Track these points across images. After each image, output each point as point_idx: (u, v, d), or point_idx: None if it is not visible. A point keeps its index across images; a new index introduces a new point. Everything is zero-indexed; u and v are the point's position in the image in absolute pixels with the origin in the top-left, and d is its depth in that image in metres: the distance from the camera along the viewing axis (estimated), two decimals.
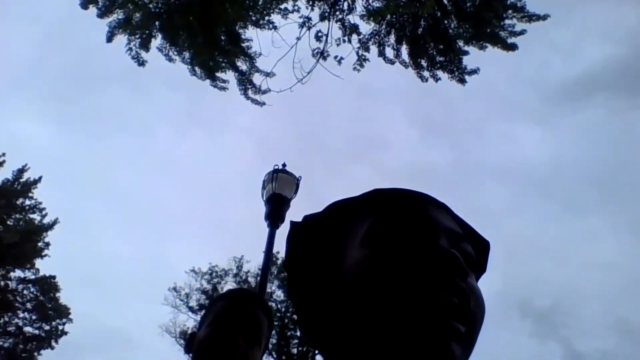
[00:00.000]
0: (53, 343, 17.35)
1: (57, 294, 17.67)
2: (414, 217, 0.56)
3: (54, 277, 17.64)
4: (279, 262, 15.26)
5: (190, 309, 15.75)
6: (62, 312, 17.73)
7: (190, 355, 1.19)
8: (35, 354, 17.31)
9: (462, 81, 6.11)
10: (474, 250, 0.58)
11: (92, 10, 5.39)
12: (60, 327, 17.70)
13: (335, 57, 5.83)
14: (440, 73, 6.15)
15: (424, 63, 6.12)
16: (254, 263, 16.76)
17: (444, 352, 0.46)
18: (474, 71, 6.08)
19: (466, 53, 5.95)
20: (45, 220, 17.79)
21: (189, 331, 15.31)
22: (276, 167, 6.18)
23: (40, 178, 17.99)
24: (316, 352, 15.03)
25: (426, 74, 6.17)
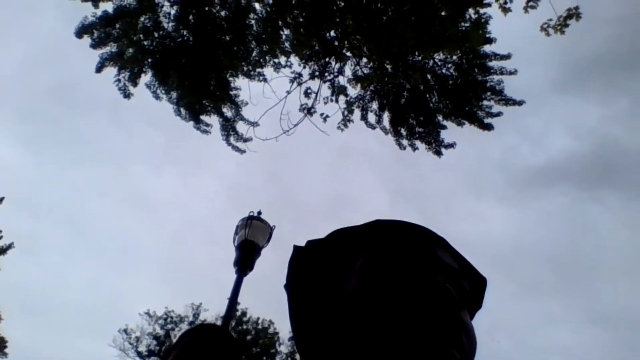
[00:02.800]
0: None
1: None
2: (411, 251, 0.56)
3: None
4: (239, 313, 14.79)
5: (139, 354, 14.93)
6: None
7: None
8: None
9: (439, 153, 6.32)
10: (470, 286, 0.60)
11: (85, 39, 5.46)
12: None
13: (322, 114, 5.99)
14: (418, 143, 6.36)
15: (403, 132, 6.33)
16: (211, 312, 16.20)
17: None
18: (451, 145, 6.31)
19: (444, 127, 6.20)
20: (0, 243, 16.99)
21: None
22: (251, 214, 6.14)
23: (2, 199, 17.35)
24: None
25: (405, 142, 6.37)
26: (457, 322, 0.50)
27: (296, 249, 0.66)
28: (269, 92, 5.73)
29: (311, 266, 0.63)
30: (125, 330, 15.02)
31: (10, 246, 17.05)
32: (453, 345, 0.48)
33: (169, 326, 15.29)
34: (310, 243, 0.65)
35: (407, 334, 0.48)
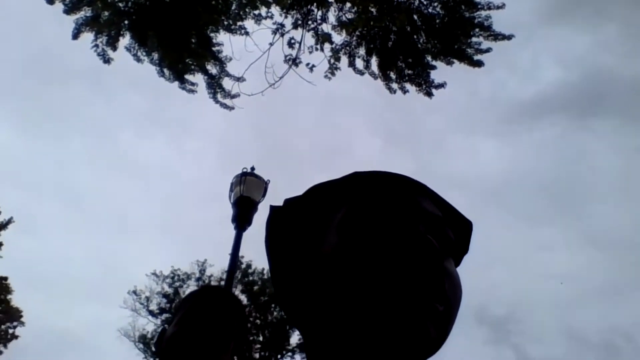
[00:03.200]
0: (1, 347, 16.64)
1: (9, 296, 16.97)
2: (391, 202, 0.55)
3: (5, 279, 16.93)
4: (244, 265, 15.14)
5: (151, 312, 15.39)
6: (14, 315, 17.03)
7: (159, 353, 1.18)
8: None
9: (429, 94, 6.25)
10: (455, 232, 0.59)
11: (57, 5, 5.25)
12: (11, 331, 17.01)
13: (307, 64, 5.87)
14: (408, 86, 6.27)
15: (392, 75, 6.23)
16: (217, 267, 16.56)
17: (420, 332, 0.46)
18: (441, 85, 6.23)
19: (434, 67, 6.09)
20: None
21: (149, 335, 14.96)
22: (245, 170, 6.16)
23: None
24: (279, 356, 14.95)
25: (395, 86, 6.29)
26: (440, 273, 0.50)
27: (273, 208, 0.64)
28: (251, 46, 5.59)
29: (289, 224, 0.61)
30: (134, 292, 15.43)
31: (10, 221, 17.17)
32: (435, 298, 0.48)
33: (177, 284, 15.67)
34: (287, 201, 0.63)
35: (387, 289, 0.47)
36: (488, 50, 5.79)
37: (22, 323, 17.18)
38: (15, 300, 17.07)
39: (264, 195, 6.18)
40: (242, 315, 1.29)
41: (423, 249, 0.50)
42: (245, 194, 5.98)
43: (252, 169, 6.29)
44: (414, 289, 0.47)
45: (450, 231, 0.57)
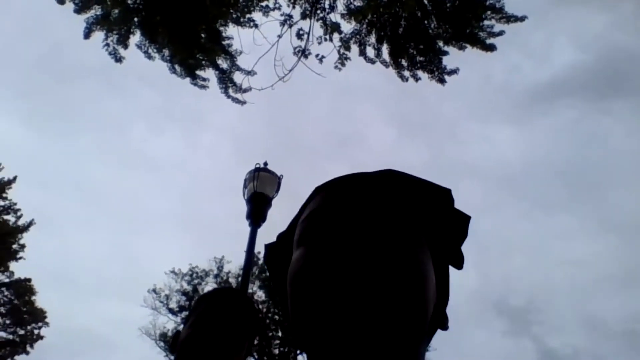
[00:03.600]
0: (28, 348, 16.97)
1: (33, 297, 17.29)
2: (342, 211, 0.52)
3: (29, 280, 17.26)
4: (260, 262, 15.18)
5: (171, 310, 15.56)
6: (38, 316, 17.35)
7: (174, 355, 1.18)
8: (10, 359, 16.88)
9: (442, 81, 6.17)
10: (432, 216, 0.56)
11: (68, 5, 5.29)
12: (36, 332, 17.34)
13: (317, 55, 5.83)
14: (420, 73, 6.19)
15: (404, 63, 6.16)
16: (234, 263, 16.66)
17: (379, 348, 0.44)
18: (454, 71, 6.14)
19: (446, 53, 6.01)
20: (20, 222, 17.38)
21: (169, 333, 15.12)
22: (257, 166, 6.15)
23: (15, 178, 17.59)
24: (298, 352, 15.02)
25: (406, 73, 6.21)
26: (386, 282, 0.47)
27: (267, 246, 0.65)
28: (260, 39, 5.57)
29: (282, 257, 0.61)
30: (154, 290, 15.60)
31: (31, 223, 17.48)
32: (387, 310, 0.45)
33: (195, 281, 15.80)
34: (279, 236, 0.64)
35: (339, 299, 0.45)
36: (500, 33, 5.69)
37: (47, 323, 17.51)
38: (39, 301, 17.42)
39: (277, 191, 6.17)
40: (255, 315, 1.28)
41: (370, 261, 0.47)
42: (259, 190, 5.97)
43: (265, 164, 6.28)
44: (366, 305, 0.45)
45: (413, 223, 0.53)
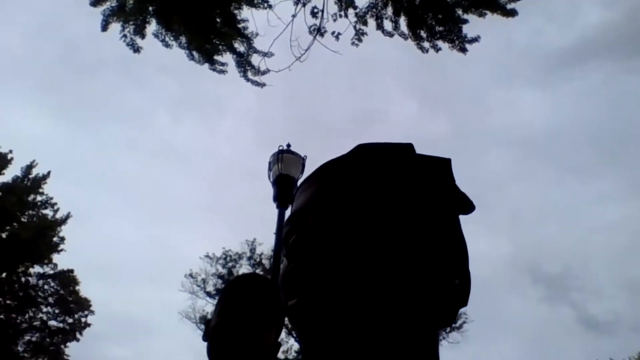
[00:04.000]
0: (78, 335, 17.73)
1: (77, 287, 18.00)
2: (318, 211, 0.52)
3: (72, 271, 17.94)
4: None
5: (208, 294, 15.97)
6: (83, 305, 18.06)
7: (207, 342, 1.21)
8: (62, 346, 17.70)
9: (463, 50, 5.99)
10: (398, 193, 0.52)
11: None
12: (83, 320, 18.06)
13: (333, 32, 5.75)
14: (440, 43, 6.03)
15: (423, 34, 6.00)
16: (266, 245, 16.90)
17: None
18: (475, 39, 5.95)
19: (466, 21, 5.83)
20: (58, 215, 18.03)
21: (208, 316, 15.56)
22: (281, 148, 6.16)
23: (49, 173, 18.18)
24: None
25: (426, 44, 6.06)
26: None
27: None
28: (274, 20, 5.52)
29: None
30: (190, 275, 16.02)
31: (68, 216, 18.11)
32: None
33: (230, 264, 16.13)
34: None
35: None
36: None
37: (92, 312, 18.22)
38: (83, 290, 18.13)
39: (302, 172, 6.18)
40: (278, 303, 1.29)
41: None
42: (284, 172, 6.00)
43: (288, 145, 6.28)
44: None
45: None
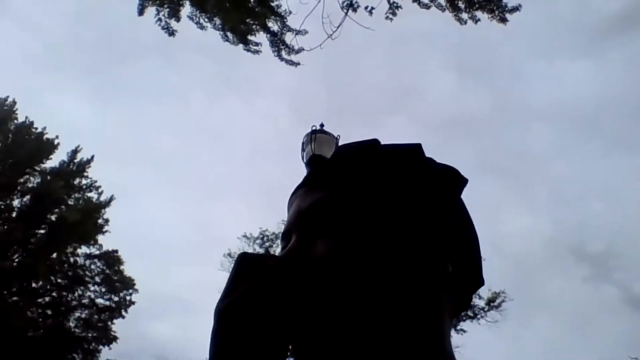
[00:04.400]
0: (123, 312, 18.52)
1: (122, 267, 18.73)
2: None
3: (116, 251, 18.65)
4: None
5: None
6: (128, 284, 18.79)
7: None
8: (109, 323, 18.54)
9: (503, 20, 5.77)
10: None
11: None
12: (128, 298, 18.82)
13: (366, 7, 5.63)
14: (479, 13, 5.83)
15: (461, 4, 5.81)
16: None
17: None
18: (516, 8, 5.72)
19: None
20: (102, 198, 18.71)
21: None
22: (314, 128, 6.13)
23: (92, 157, 18.81)
24: None
25: (464, 15, 5.87)
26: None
27: None
28: None
29: None
30: (229, 254, 16.34)
31: (112, 198, 18.77)
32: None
33: (267, 244, 16.36)
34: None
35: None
36: None
37: (136, 290, 18.95)
38: (127, 269, 18.84)
39: None
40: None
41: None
42: (317, 152, 5.97)
43: (322, 125, 6.23)
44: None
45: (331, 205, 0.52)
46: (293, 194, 0.58)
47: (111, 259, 18.57)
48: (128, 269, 18.84)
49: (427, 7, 5.88)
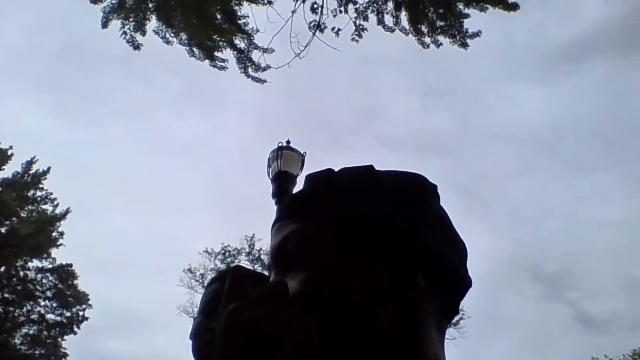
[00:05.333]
0: (75, 328, 17.80)
1: (75, 281, 18.04)
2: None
3: (70, 265, 17.97)
4: None
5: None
6: (81, 299, 18.11)
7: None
8: (59, 339, 17.76)
9: (465, 45, 5.99)
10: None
11: None
12: (81, 313, 18.13)
13: (333, 28, 5.73)
14: (441, 38, 6.03)
15: (424, 29, 6.00)
16: (266, 241, 16.94)
17: None
18: (476, 34, 5.95)
19: (467, 16, 5.83)
20: (57, 210, 18.04)
21: None
22: (280, 145, 6.15)
23: (49, 169, 18.16)
24: None
25: (427, 39, 6.06)
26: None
27: None
28: (274, 17, 5.50)
29: None
30: (189, 270, 16.06)
31: (67, 211, 18.12)
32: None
33: (228, 260, 16.16)
34: None
35: None
36: None
37: (90, 305, 18.27)
38: (81, 284, 18.16)
39: (301, 168, 6.17)
40: None
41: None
42: (283, 168, 5.98)
43: (288, 142, 6.26)
44: None
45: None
46: (272, 227, 0.59)
47: (64, 273, 17.87)
48: (82, 284, 18.19)
49: (391, 30, 6.05)
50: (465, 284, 0.56)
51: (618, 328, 29.22)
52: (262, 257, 16.16)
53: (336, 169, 0.59)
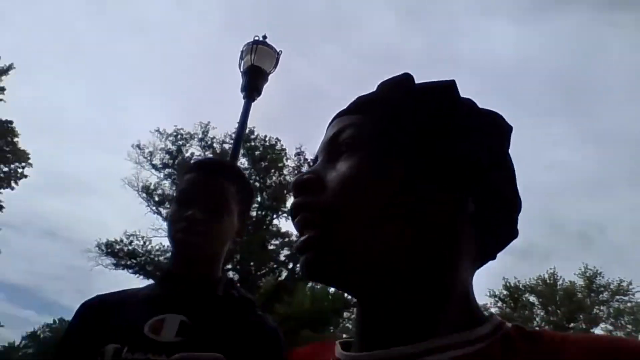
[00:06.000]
0: (12, 184, 17.54)
1: (15, 139, 17.41)
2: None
3: (11, 122, 17.21)
4: (247, 131, 15.38)
5: (154, 166, 15.92)
6: (21, 156, 17.64)
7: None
8: None
9: None
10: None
11: None
12: (20, 170, 17.76)
13: None
14: None
15: None
16: (220, 130, 16.78)
17: (307, 263, 0.49)
18: None
19: None
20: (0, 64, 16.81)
21: (152, 187, 15.72)
22: (257, 38, 5.97)
23: None
24: (274, 215, 15.93)
25: None
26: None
27: None
28: None
29: None
30: (138, 146, 15.79)
31: (10, 67, 16.90)
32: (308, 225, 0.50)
33: (180, 142, 15.98)
34: None
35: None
36: None
37: (30, 164, 17.88)
38: (22, 142, 17.57)
39: (275, 66, 6.05)
40: (243, 185, 1.22)
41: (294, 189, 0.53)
42: (256, 63, 5.84)
43: (264, 37, 6.06)
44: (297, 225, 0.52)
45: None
46: (330, 123, 0.58)
47: (4, 130, 17.16)
48: (24, 143, 17.61)
49: None
50: (512, 232, 0.55)
51: (533, 256, 32.38)
52: (214, 145, 16.13)
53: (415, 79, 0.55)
